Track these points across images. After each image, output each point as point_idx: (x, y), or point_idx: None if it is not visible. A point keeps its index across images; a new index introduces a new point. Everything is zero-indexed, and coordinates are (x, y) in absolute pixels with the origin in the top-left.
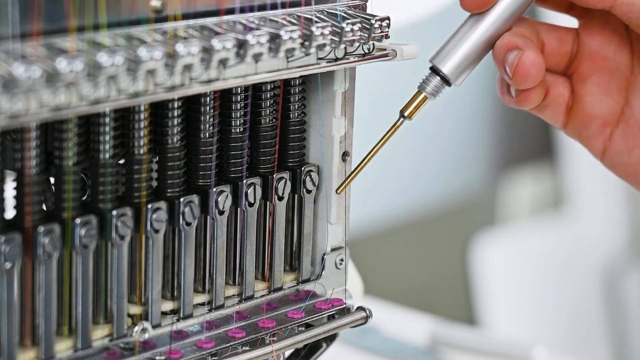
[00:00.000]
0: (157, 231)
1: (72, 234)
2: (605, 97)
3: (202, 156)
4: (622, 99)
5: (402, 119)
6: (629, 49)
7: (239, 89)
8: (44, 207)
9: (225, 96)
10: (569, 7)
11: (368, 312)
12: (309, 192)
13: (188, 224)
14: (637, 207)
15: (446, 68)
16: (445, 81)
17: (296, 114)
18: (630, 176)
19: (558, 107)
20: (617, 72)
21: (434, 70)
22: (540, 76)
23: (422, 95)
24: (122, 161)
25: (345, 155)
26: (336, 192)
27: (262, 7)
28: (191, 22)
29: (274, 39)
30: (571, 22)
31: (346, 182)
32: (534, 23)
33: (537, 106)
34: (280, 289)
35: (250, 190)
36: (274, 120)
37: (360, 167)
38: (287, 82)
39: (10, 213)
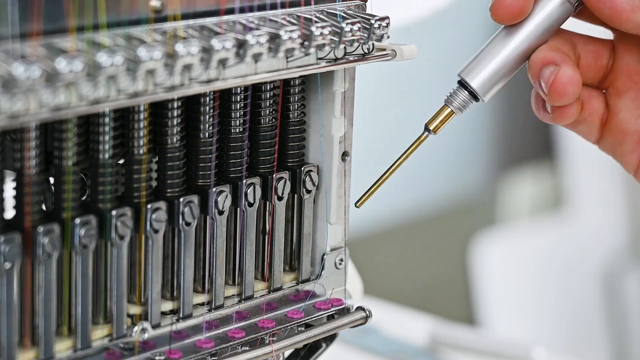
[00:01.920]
0: (156, 231)
1: (72, 234)
2: None
3: (201, 156)
4: None
5: (426, 133)
6: None
7: (239, 88)
8: (44, 207)
9: (224, 96)
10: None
11: (368, 312)
12: (308, 192)
13: (188, 224)
14: (637, 207)
15: (475, 82)
16: (474, 96)
17: (296, 114)
18: None
19: (592, 122)
20: None
21: (462, 84)
22: (577, 93)
23: (448, 110)
24: (121, 161)
25: (344, 155)
26: (355, 205)
27: (261, 7)
28: (191, 22)
29: (274, 39)
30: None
31: (366, 196)
32: (570, 35)
33: (572, 121)
34: (280, 289)
35: (250, 190)
36: (274, 120)
37: (381, 180)
38: (286, 82)
39: (9, 213)
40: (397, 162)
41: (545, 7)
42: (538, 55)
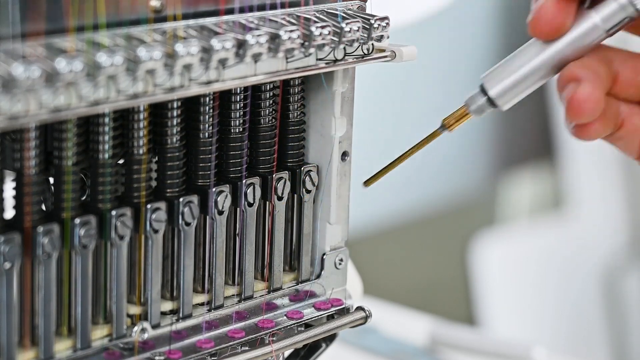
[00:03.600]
0: (156, 231)
1: (72, 234)
2: None
3: (201, 156)
4: None
5: (441, 129)
6: None
7: (239, 89)
8: (44, 207)
9: (224, 96)
10: None
11: (367, 312)
12: (308, 192)
13: (187, 224)
14: (637, 207)
15: (494, 91)
16: (492, 103)
17: (296, 114)
18: None
19: (633, 139)
20: None
21: (483, 90)
22: (596, 112)
23: (466, 111)
24: (121, 161)
25: (344, 155)
26: (364, 184)
27: (261, 7)
28: (191, 22)
29: (274, 39)
30: None
31: (375, 178)
32: (607, 51)
33: (611, 136)
34: (280, 288)
35: (250, 190)
36: (274, 120)
37: (392, 165)
38: (286, 82)
39: (9, 213)
40: (410, 151)
41: (582, 26)
42: (565, 71)
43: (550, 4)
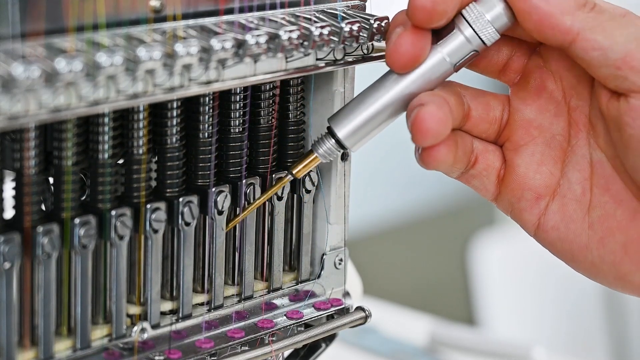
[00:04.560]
0: (156, 231)
1: (71, 234)
2: (540, 167)
3: (201, 156)
4: (557, 170)
5: (289, 176)
6: (566, 118)
7: (238, 89)
8: (43, 207)
9: (224, 96)
10: (501, 72)
11: (367, 312)
12: (308, 192)
13: (187, 224)
14: None
15: (342, 132)
16: (341, 145)
17: (295, 113)
18: (566, 253)
19: (488, 177)
20: (553, 142)
21: (331, 132)
22: (440, 132)
23: (313, 156)
24: (121, 161)
25: (344, 155)
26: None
27: (261, 7)
28: (190, 22)
29: (273, 38)
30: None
31: (233, 223)
32: (456, 87)
33: (464, 174)
34: (280, 288)
35: (250, 190)
36: (273, 120)
37: (246, 211)
38: (286, 82)
39: (9, 213)
40: (260, 199)
41: (430, 59)
42: (413, 101)
43: (408, 35)
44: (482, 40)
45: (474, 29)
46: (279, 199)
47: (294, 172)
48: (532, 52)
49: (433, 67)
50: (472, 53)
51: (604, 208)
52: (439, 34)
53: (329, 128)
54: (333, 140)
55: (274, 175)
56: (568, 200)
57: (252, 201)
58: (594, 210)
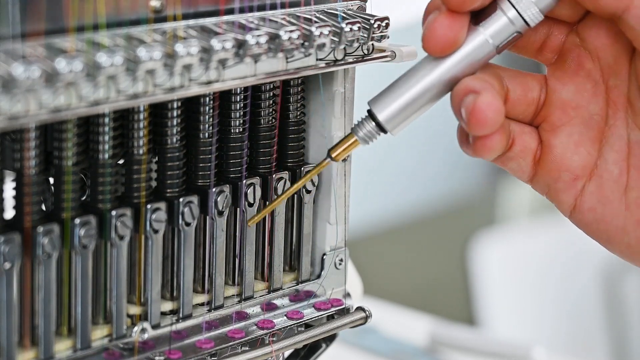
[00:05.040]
0: (156, 231)
1: (72, 234)
2: (577, 148)
3: (201, 156)
4: (595, 151)
5: (328, 159)
6: (603, 98)
7: (239, 89)
8: (44, 207)
9: (224, 96)
10: (538, 52)
11: (367, 312)
12: (308, 192)
13: (187, 224)
14: None
15: (383, 115)
16: (382, 128)
17: (296, 113)
18: (602, 235)
19: (525, 159)
20: (590, 123)
21: (371, 115)
22: (498, 121)
23: (353, 139)
24: (121, 161)
25: None
26: (247, 223)
27: (261, 7)
28: (190, 22)
29: (273, 39)
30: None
31: (259, 216)
32: (496, 68)
33: (501, 157)
34: (280, 289)
35: (250, 191)
36: (274, 120)
37: (277, 201)
38: (286, 82)
39: (9, 213)
40: (298, 184)
41: (472, 42)
42: (460, 86)
43: (443, 18)
44: (526, 22)
45: (517, 10)
46: None
47: (333, 155)
48: (570, 31)
49: (475, 49)
50: (515, 35)
51: None
52: (481, 15)
53: (369, 111)
54: (373, 124)
55: (302, 169)
56: (605, 181)
57: (280, 193)
58: (631, 191)
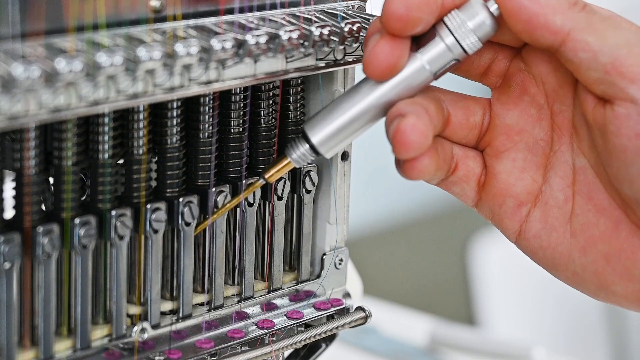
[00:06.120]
0: (156, 231)
1: (71, 234)
2: (521, 174)
3: (201, 156)
4: (540, 177)
5: (261, 180)
6: (548, 122)
7: (238, 89)
8: (43, 207)
9: (224, 96)
10: (482, 75)
11: (367, 312)
12: (308, 192)
13: (187, 224)
14: None
15: (316, 138)
16: (315, 150)
17: (295, 114)
18: (548, 262)
19: (468, 183)
20: (535, 148)
21: (306, 137)
22: (422, 144)
23: (287, 161)
24: (121, 161)
25: (344, 155)
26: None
27: (261, 7)
28: (190, 22)
29: (273, 39)
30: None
31: (205, 223)
32: (436, 92)
33: (444, 181)
34: (280, 288)
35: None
36: (273, 120)
37: (216, 214)
38: (286, 82)
39: (9, 213)
40: (228, 205)
41: (409, 67)
42: (392, 109)
43: (384, 43)
44: (464, 49)
45: (455, 37)
46: (279, 199)
47: (266, 176)
48: (515, 55)
49: (412, 75)
50: (453, 62)
51: (586, 216)
52: (421, 40)
53: (303, 133)
54: (307, 146)
55: (244, 181)
56: (550, 208)
57: (220, 206)
58: (576, 218)
